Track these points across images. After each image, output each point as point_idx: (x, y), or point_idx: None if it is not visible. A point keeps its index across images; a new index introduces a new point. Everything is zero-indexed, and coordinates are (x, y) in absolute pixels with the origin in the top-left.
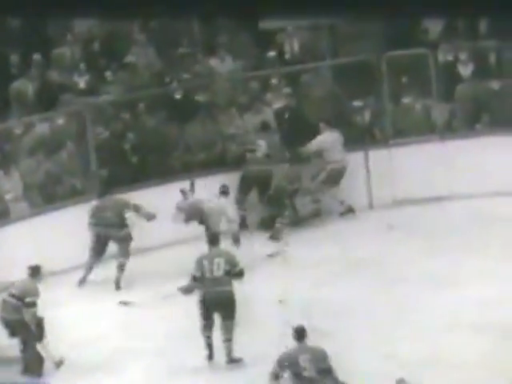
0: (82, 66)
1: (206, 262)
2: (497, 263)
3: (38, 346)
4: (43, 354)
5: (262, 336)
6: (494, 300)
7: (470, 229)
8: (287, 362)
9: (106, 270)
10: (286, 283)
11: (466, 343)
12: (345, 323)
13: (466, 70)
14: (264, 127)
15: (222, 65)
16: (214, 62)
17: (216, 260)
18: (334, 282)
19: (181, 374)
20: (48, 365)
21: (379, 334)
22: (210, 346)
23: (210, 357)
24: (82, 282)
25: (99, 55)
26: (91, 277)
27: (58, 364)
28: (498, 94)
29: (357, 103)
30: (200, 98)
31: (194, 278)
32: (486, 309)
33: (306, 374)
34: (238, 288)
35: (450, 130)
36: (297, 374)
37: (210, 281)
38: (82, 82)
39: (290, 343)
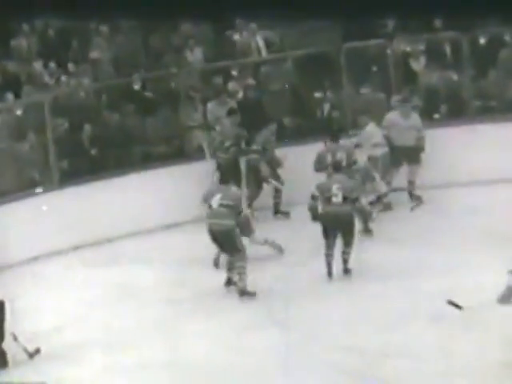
0: (45, 55)
1: (325, 187)
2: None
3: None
4: (16, 345)
5: None
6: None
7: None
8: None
9: (63, 261)
10: None
11: (424, 334)
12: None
13: (419, 62)
14: (230, 113)
15: (192, 55)
16: (184, 54)
17: (335, 185)
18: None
19: (141, 367)
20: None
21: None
22: (329, 265)
23: (330, 274)
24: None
25: (60, 47)
26: (51, 269)
27: (33, 354)
28: (456, 84)
29: (317, 94)
30: (163, 89)
31: (313, 197)
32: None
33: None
34: None
35: None
36: (327, 199)
37: (327, 200)
38: (45, 75)
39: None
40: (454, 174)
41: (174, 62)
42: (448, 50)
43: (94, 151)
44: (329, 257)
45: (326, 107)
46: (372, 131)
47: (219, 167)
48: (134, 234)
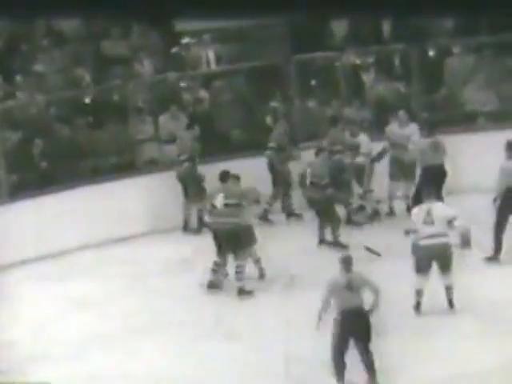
0: None
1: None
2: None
3: None
4: None
5: None
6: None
7: None
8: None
9: (13, 276)
10: None
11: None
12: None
13: (369, 74)
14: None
15: (142, 67)
16: (135, 66)
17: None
18: None
19: (94, 379)
20: None
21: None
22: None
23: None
24: None
25: (7, 57)
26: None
27: None
28: (404, 95)
29: (273, 103)
30: (112, 101)
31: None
32: None
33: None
34: None
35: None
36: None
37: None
38: None
39: None
40: None
41: (122, 73)
42: (397, 61)
43: (44, 164)
44: None
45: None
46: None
47: (179, 180)
48: (85, 247)
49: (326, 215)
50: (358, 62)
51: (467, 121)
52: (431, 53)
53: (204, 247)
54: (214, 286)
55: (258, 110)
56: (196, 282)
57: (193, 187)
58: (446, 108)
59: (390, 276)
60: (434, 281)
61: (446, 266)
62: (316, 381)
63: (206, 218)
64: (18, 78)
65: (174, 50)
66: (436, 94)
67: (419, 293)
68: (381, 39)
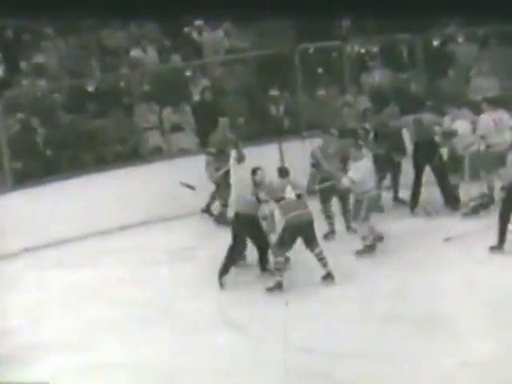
0: None
1: None
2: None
3: None
4: None
5: None
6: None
7: None
8: None
9: (16, 263)
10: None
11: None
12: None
13: (374, 63)
14: (177, 128)
15: (145, 55)
16: (136, 53)
17: None
18: None
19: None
20: None
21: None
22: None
23: None
24: None
25: (13, 45)
26: (3, 271)
27: None
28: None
29: (272, 92)
30: (116, 90)
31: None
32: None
33: None
34: None
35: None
36: None
37: None
38: None
39: None
40: None
41: (126, 62)
42: (403, 51)
43: (48, 152)
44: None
45: (281, 108)
46: None
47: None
48: (88, 235)
49: None
50: (362, 51)
51: (471, 110)
52: (435, 42)
53: (207, 235)
54: (280, 286)
55: (263, 100)
56: (199, 270)
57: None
58: (450, 97)
59: None
60: None
61: None
62: (320, 372)
63: (281, 215)
64: (23, 65)
65: (186, 29)
66: (440, 83)
67: None
68: (386, 28)
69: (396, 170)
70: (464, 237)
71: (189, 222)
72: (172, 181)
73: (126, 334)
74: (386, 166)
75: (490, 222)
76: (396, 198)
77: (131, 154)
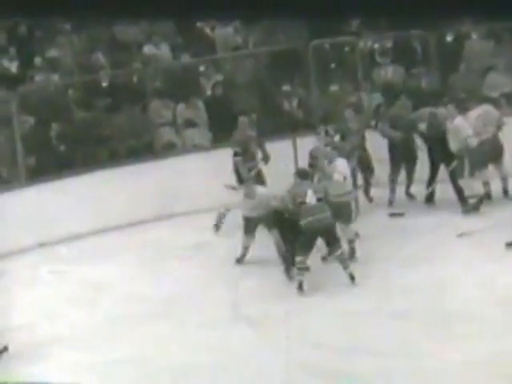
0: (12, 50)
1: None
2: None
3: None
4: None
5: None
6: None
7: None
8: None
9: (30, 259)
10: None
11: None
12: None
13: (386, 59)
14: (191, 124)
15: (157, 51)
16: (148, 49)
17: None
18: None
19: (110, 364)
20: None
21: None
22: None
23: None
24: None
25: (27, 40)
26: (18, 266)
27: (1, 352)
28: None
29: (285, 88)
30: (130, 85)
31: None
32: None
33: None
34: None
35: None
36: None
37: None
38: (13, 67)
39: None
40: None
41: (139, 58)
42: (416, 47)
43: (62, 148)
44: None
45: (294, 103)
46: None
47: None
48: (102, 231)
49: None
50: (375, 46)
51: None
52: (449, 38)
53: (221, 231)
54: (302, 287)
55: (276, 95)
56: (212, 266)
57: None
58: (463, 93)
59: None
60: None
61: None
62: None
63: (301, 219)
64: (37, 60)
65: (198, 25)
66: (453, 79)
67: None
68: (398, 24)
69: (411, 164)
70: (476, 233)
71: (201, 218)
72: (185, 176)
73: (139, 330)
74: (401, 158)
75: (501, 217)
76: (408, 193)
77: (145, 149)
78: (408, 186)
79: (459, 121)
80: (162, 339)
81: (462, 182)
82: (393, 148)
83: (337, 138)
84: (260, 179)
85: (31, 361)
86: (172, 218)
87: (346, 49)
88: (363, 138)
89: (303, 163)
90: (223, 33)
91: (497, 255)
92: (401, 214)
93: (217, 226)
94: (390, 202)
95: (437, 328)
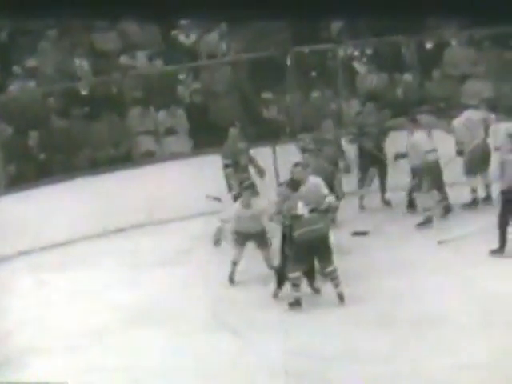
0: None
1: None
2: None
3: None
4: None
5: None
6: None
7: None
8: None
9: (10, 267)
10: None
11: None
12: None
13: (367, 66)
14: (171, 132)
15: (133, 61)
16: (125, 59)
17: None
18: None
19: (90, 372)
20: None
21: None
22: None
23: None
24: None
25: (7, 48)
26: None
27: None
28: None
29: (266, 95)
30: (109, 93)
31: None
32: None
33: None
34: None
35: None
36: None
37: None
38: None
39: None
40: None
41: (116, 66)
42: (395, 53)
43: (41, 156)
44: None
45: (274, 110)
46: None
47: None
48: (82, 239)
49: None
50: (355, 53)
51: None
52: (429, 45)
53: (200, 238)
54: (299, 303)
55: (256, 102)
56: (193, 273)
57: None
58: (442, 100)
59: None
60: None
61: None
62: (315, 375)
63: (294, 231)
64: (15, 69)
65: (173, 33)
66: (431, 86)
67: None
68: (378, 31)
69: (382, 170)
70: (458, 239)
71: (182, 225)
72: (165, 184)
73: (120, 338)
74: (371, 165)
75: (484, 225)
76: (384, 200)
77: (124, 157)
78: (383, 193)
79: (418, 136)
80: (142, 346)
81: (418, 197)
82: (362, 155)
83: (311, 146)
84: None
85: (12, 368)
86: (152, 225)
87: (327, 56)
88: (340, 149)
89: (283, 171)
90: (208, 39)
91: (477, 261)
92: (364, 233)
93: (217, 241)
94: (361, 207)
95: (420, 334)
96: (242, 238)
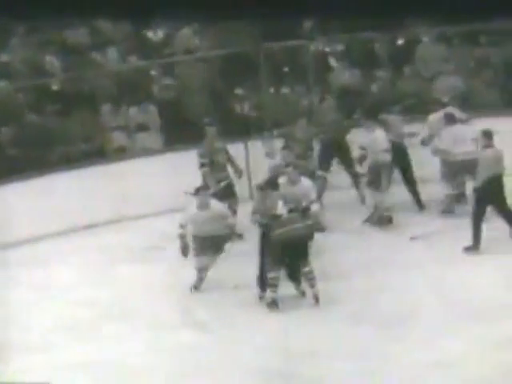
0: None
1: None
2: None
3: None
4: None
5: None
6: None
7: None
8: None
9: None
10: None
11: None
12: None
13: (339, 62)
14: (143, 128)
15: (105, 57)
16: (96, 55)
17: None
18: None
19: (59, 368)
20: None
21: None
22: None
23: None
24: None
25: None
26: None
27: None
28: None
29: (238, 91)
30: (80, 89)
31: None
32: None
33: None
34: None
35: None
36: None
37: None
38: None
39: None
40: None
41: (88, 62)
42: (367, 50)
43: (12, 152)
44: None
45: (246, 107)
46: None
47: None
48: (53, 235)
49: None
50: (327, 49)
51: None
52: (400, 41)
53: (172, 235)
54: (276, 304)
55: (228, 99)
56: (165, 270)
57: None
58: (414, 97)
59: None
60: None
61: None
62: (287, 372)
63: (272, 231)
64: None
65: (143, 31)
66: (402, 83)
67: None
68: (350, 27)
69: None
70: (430, 236)
71: (154, 221)
72: (136, 180)
73: (90, 334)
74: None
75: (456, 222)
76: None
77: (96, 153)
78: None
79: (378, 133)
80: (113, 342)
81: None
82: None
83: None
84: (230, 192)
85: None
86: (123, 221)
87: (298, 52)
88: (310, 147)
89: (255, 167)
90: (181, 35)
91: (448, 257)
92: (322, 230)
93: (184, 248)
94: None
95: (391, 330)
96: (200, 242)
